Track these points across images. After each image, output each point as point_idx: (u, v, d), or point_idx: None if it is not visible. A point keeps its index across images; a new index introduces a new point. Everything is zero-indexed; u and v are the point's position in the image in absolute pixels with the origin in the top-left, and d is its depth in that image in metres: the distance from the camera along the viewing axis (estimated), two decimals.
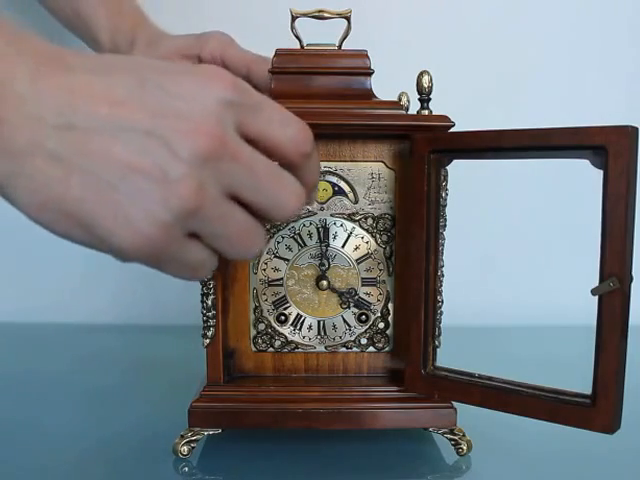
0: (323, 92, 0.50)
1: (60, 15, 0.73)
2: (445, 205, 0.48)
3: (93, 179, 0.27)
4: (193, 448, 0.49)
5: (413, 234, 0.48)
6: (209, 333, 0.49)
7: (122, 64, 0.29)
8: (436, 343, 0.49)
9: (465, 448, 0.49)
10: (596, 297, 0.40)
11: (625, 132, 0.38)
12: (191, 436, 0.49)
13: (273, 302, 0.52)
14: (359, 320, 0.52)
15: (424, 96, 0.49)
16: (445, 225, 0.49)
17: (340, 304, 0.52)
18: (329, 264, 0.51)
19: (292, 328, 0.52)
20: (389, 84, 0.52)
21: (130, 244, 0.28)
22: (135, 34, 0.66)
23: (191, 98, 0.28)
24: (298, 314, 0.52)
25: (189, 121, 0.28)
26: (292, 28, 0.51)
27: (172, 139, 0.27)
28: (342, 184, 0.51)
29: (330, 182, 0.51)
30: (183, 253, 0.30)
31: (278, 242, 0.51)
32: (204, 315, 0.49)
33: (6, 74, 0.27)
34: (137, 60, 0.30)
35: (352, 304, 0.52)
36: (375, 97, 0.51)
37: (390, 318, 0.52)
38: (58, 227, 0.28)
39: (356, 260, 0.51)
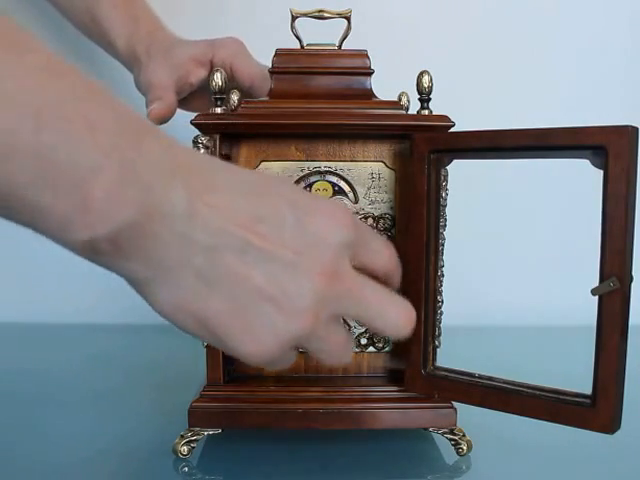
0: (323, 92, 0.50)
1: (76, 20, 0.73)
2: (445, 205, 0.48)
3: (231, 298, 0.32)
4: (193, 448, 0.49)
5: (413, 234, 0.48)
6: None
7: (265, 188, 0.33)
8: (436, 343, 0.49)
9: (465, 448, 0.49)
10: (596, 297, 0.40)
11: (625, 132, 0.38)
12: (191, 436, 0.49)
13: None
14: None
15: (424, 96, 0.49)
16: (445, 225, 0.49)
17: None
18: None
19: None
20: (389, 84, 0.52)
21: (253, 353, 0.33)
22: (151, 40, 0.67)
23: (322, 240, 0.33)
24: None
25: (319, 264, 0.32)
26: (292, 28, 0.51)
27: (303, 277, 0.32)
28: (342, 184, 0.51)
29: (330, 182, 0.51)
30: (288, 359, 0.36)
31: None
32: None
33: (163, 192, 0.29)
34: (277, 185, 0.34)
35: None
36: (375, 97, 0.51)
37: None
38: (187, 327, 0.33)
39: None
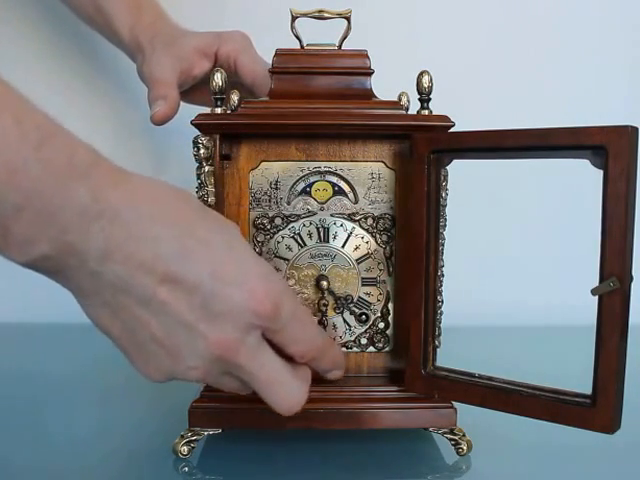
0: (323, 92, 0.50)
1: (80, 11, 0.73)
2: (445, 205, 0.48)
3: (130, 332, 0.35)
4: (193, 448, 0.49)
5: (413, 234, 0.48)
6: None
7: (194, 248, 0.34)
8: (436, 343, 0.49)
9: (465, 448, 0.49)
10: (596, 297, 0.40)
11: (625, 132, 0.38)
12: (191, 436, 0.49)
13: None
14: (359, 320, 0.52)
15: (424, 96, 0.49)
16: (445, 225, 0.49)
17: (334, 308, 0.52)
18: None
19: None
20: (389, 84, 0.52)
21: (148, 378, 0.37)
22: (155, 30, 0.67)
23: (229, 315, 0.34)
24: None
25: (218, 335, 0.34)
26: (292, 28, 0.51)
27: (198, 340, 0.34)
28: (342, 184, 0.51)
29: (330, 182, 0.51)
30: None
31: (278, 242, 0.51)
32: None
33: (79, 235, 0.32)
34: (208, 247, 0.34)
35: (346, 311, 0.52)
36: (375, 97, 0.51)
37: (390, 318, 0.52)
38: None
39: (356, 260, 0.51)
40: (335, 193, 0.51)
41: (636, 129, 0.38)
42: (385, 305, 0.52)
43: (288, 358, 0.38)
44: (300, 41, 0.51)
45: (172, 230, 0.34)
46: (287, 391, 0.37)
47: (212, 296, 0.34)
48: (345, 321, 0.52)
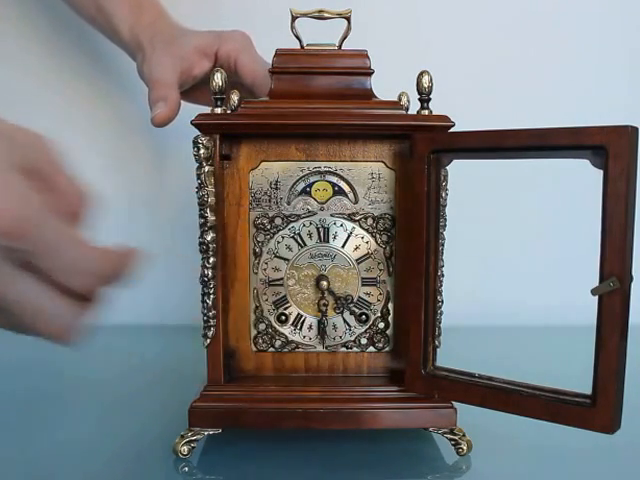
0: (323, 92, 0.50)
1: (81, 9, 0.73)
2: (445, 205, 0.48)
3: None
4: (193, 448, 0.49)
5: (413, 234, 0.48)
6: (209, 333, 0.49)
7: None
8: (436, 343, 0.49)
9: (465, 448, 0.49)
10: (596, 297, 0.40)
11: (625, 132, 0.38)
12: (191, 436, 0.49)
13: (273, 302, 0.52)
14: (359, 320, 0.52)
15: (424, 96, 0.49)
16: (445, 225, 0.49)
17: (334, 308, 0.52)
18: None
19: (292, 328, 0.52)
20: (389, 84, 0.52)
21: None
22: (155, 28, 0.67)
23: None
24: (298, 314, 0.52)
25: None
26: (292, 28, 0.51)
27: None
28: (342, 184, 0.51)
29: (330, 182, 0.51)
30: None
31: (278, 242, 0.51)
32: (204, 315, 0.49)
33: None
34: None
35: (346, 311, 0.52)
36: (375, 97, 0.51)
37: (390, 318, 0.52)
38: None
39: (356, 260, 0.51)
40: (335, 193, 0.51)
41: (636, 129, 0.38)
42: (385, 305, 0.52)
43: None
44: (300, 41, 0.51)
45: None
46: (53, 315, 0.32)
47: None
48: (345, 321, 0.52)
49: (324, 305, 0.50)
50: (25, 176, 0.30)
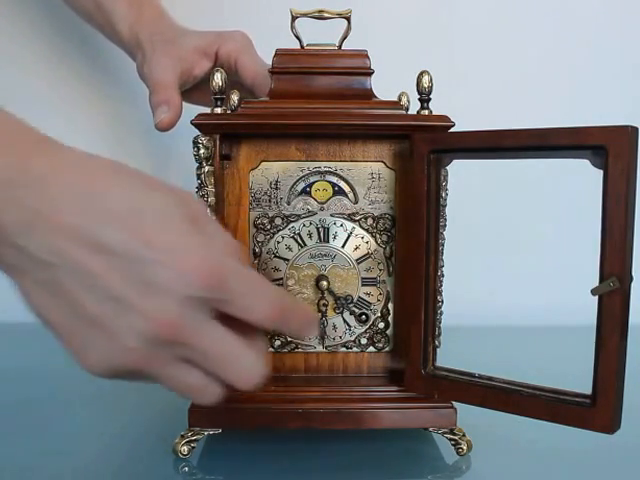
0: (323, 92, 0.50)
1: (80, 7, 0.73)
2: (445, 205, 0.48)
3: (67, 315, 0.32)
4: (193, 448, 0.49)
5: (413, 234, 0.48)
6: None
7: (126, 216, 0.31)
8: (436, 343, 0.49)
9: (465, 448, 0.49)
10: (596, 297, 0.40)
11: (625, 132, 0.38)
12: (191, 436, 0.49)
13: None
14: (359, 320, 0.52)
15: (424, 96, 0.49)
16: (445, 225, 0.49)
17: (334, 308, 0.52)
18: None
19: None
20: (389, 84, 0.52)
21: (87, 369, 0.33)
22: (155, 27, 0.66)
23: (167, 290, 0.31)
24: None
25: (158, 311, 0.31)
26: (292, 28, 0.51)
27: (135, 316, 0.31)
28: (342, 184, 0.51)
29: (330, 182, 0.51)
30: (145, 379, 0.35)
31: (278, 242, 0.51)
32: None
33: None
34: (142, 214, 0.32)
35: (345, 311, 0.52)
36: (375, 97, 0.51)
37: (390, 318, 0.52)
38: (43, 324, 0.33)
39: (356, 260, 0.51)
40: (335, 193, 0.51)
41: (636, 129, 0.38)
42: (385, 305, 0.52)
43: (249, 329, 0.35)
44: (300, 41, 0.51)
45: (101, 197, 0.31)
46: (244, 365, 0.34)
47: (147, 267, 0.31)
48: (345, 321, 0.52)
49: (324, 305, 0.50)
50: (196, 228, 0.33)
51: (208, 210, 0.36)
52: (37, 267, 0.31)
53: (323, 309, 0.50)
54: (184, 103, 0.66)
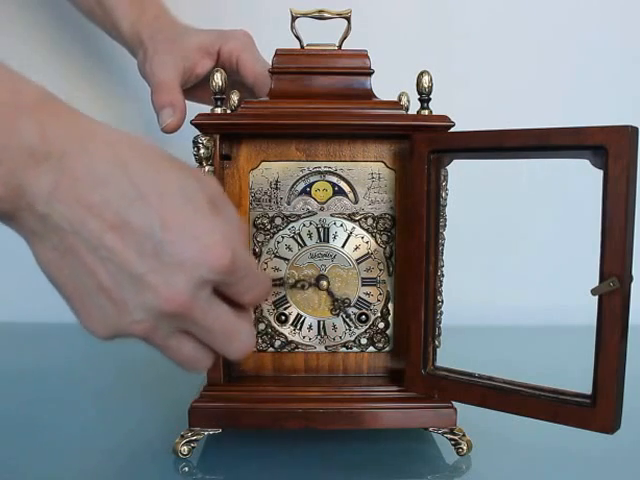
0: (323, 92, 0.50)
1: (81, 3, 0.73)
2: (445, 205, 0.48)
3: (77, 280, 0.33)
4: (193, 448, 0.49)
5: (413, 234, 0.48)
6: None
7: (147, 192, 0.32)
8: (436, 343, 0.49)
9: (465, 448, 0.49)
10: (596, 297, 0.40)
11: (625, 132, 0.38)
12: (191, 436, 0.49)
13: (273, 302, 0.52)
14: (359, 320, 0.52)
15: (424, 96, 0.49)
16: (445, 225, 0.49)
17: (331, 310, 0.51)
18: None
19: (292, 328, 0.52)
20: (389, 84, 0.52)
21: (89, 330, 0.34)
22: (157, 25, 0.66)
23: (182, 269, 0.32)
24: (298, 314, 0.52)
25: (170, 289, 0.32)
26: (292, 28, 0.51)
27: (147, 292, 0.32)
28: (342, 184, 0.51)
29: (330, 182, 0.51)
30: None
31: (278, 242, 0.51)
32: None
33: (26, 176, 0.30)
34: (162, 192, 0.32)
35: (342, 313, 0.52)
36: (375, 97, 0.51)
37: (390, 318, 0.52)
38: (53, 286, 0.34)
39: (356, 260, 0.51)
40: (335, 193, 0.51)
41: (636, 129, 0.38)
42: (385, 305, 0.52)
43: (235, 305, 0.37)
44: (300, 41, 0.51)
45: (124, 174, 0.32)
46: (242, 339, 0.37)
47: (163, 246, 0.32)
48: (345, 321, 0.52)
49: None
50: (214, 210, 0.34)
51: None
52: (57, 235, 0.32)
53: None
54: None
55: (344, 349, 0.52)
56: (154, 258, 0.32)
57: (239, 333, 0.36)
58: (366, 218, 0.51)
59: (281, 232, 0.51)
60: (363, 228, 0.51)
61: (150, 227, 0.31)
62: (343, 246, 0.51)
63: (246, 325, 0.37)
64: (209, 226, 0.33)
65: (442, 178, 0.48)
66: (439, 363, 0.49)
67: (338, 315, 0.52)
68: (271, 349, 0.52)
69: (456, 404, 0.49)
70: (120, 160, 0.32)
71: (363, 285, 0.52)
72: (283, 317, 0.52)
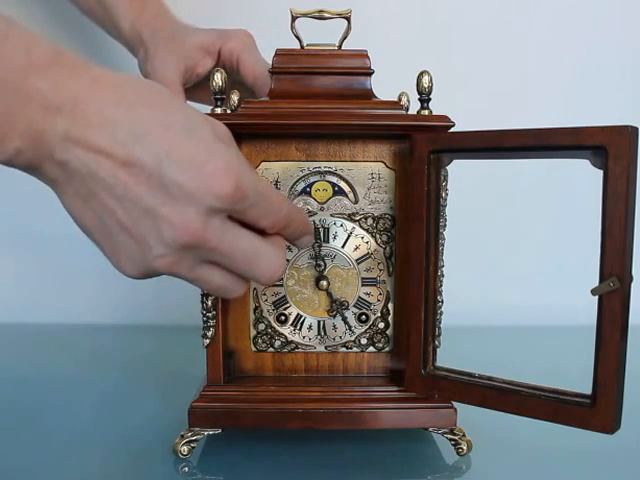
0: (323, 92, 0.50)
1: (82, 4, 0.73)
2: (445, 205, 0.48)
3: (100, 221, 0.35)
4: (193, 448, 0.49)
5: (413, 234, 0.48)
6: (209, 333, 0.49)
7: (151, 128, 0.33)
8: (436, 343, 0.49)
9: (465, 448, 0.49)
10: (596, 297, 0.40)
11: (625, 132, 0.38)
12: (191, 436, 0.49)
13: (273, 302, 0.52)
14: (359, 320, 0.52)
15: (424, 96, 0.49)
16: (445, 225, 0.49)
17: (328, 310, 0.51)
18: (325, 264, 0.51)
19: (292, 328, 0.52)
20: (389, 84, 0.52)
21: (120, 270, 0.36)
22: (157, 25, 0.66)
23: (191, 200, 0.33)
24: (298, 314, 0.52)
25: (182, 219, 0.33)
26: (292, 28, 0.51)
27: (162, 225, 0.34)
28: (342, 184, 0.51)
29: (330, 182, 0.51)
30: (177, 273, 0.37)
31: None
32: (204, 315, 0.49)
33: (42, 126, 0.32)
34: (167, 126, 0.34)
35: (338, 315, 0.52)
36: (375, 97, 0.51)
37: (390, 318, 0.52)
38: (82, 230, 0.36)
39: (356, 260, 0.51)
40: (335, 193, 0.51)
41: (636, 129, 0.38)
42: (385, 305, 0.52)
43: (259, 232, 0.38)
44: (300, 41, 0.51)
45: (130, 114, 0.33)
46: (267, 260, 0.38)
47: (170, 179, 0.33)
48: (345, 321, 0.52)
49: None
50: (218, 140, 0.35)
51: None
52: (76, 180, 0.34)
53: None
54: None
55: (344, 349, 0.52)
56: (163, 191, 0.33)
57: (262, 256, 0.37)
58: (366, 218, 0.51)
59: None
60: (363, 228, 0.51)
61: (157, 161, 0.33)
62: (343, 246, 0.51)
63: (270, 248, 0.38)
64: (212, 154, 0.34)
65: (442, 178, 0.48)
66: (439, 363, 0.49)
67: (335, 317, 0.52)
68: (271, 349, 0.52)
69: (456, 404, 0.49)
70: (127, 101, 0.34)
71: (363, 285, 0.52)
72: (283, 317, 0.52)
